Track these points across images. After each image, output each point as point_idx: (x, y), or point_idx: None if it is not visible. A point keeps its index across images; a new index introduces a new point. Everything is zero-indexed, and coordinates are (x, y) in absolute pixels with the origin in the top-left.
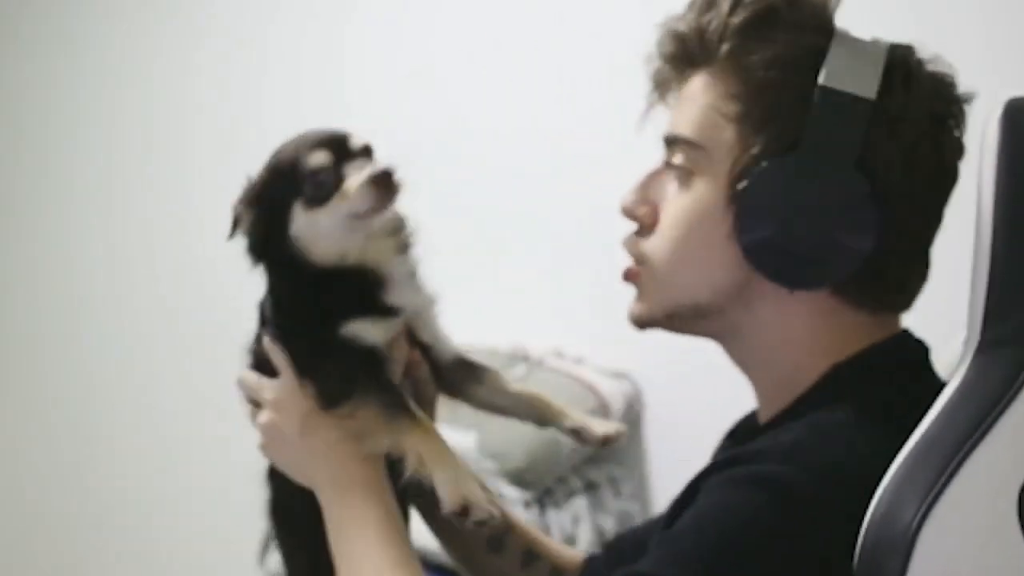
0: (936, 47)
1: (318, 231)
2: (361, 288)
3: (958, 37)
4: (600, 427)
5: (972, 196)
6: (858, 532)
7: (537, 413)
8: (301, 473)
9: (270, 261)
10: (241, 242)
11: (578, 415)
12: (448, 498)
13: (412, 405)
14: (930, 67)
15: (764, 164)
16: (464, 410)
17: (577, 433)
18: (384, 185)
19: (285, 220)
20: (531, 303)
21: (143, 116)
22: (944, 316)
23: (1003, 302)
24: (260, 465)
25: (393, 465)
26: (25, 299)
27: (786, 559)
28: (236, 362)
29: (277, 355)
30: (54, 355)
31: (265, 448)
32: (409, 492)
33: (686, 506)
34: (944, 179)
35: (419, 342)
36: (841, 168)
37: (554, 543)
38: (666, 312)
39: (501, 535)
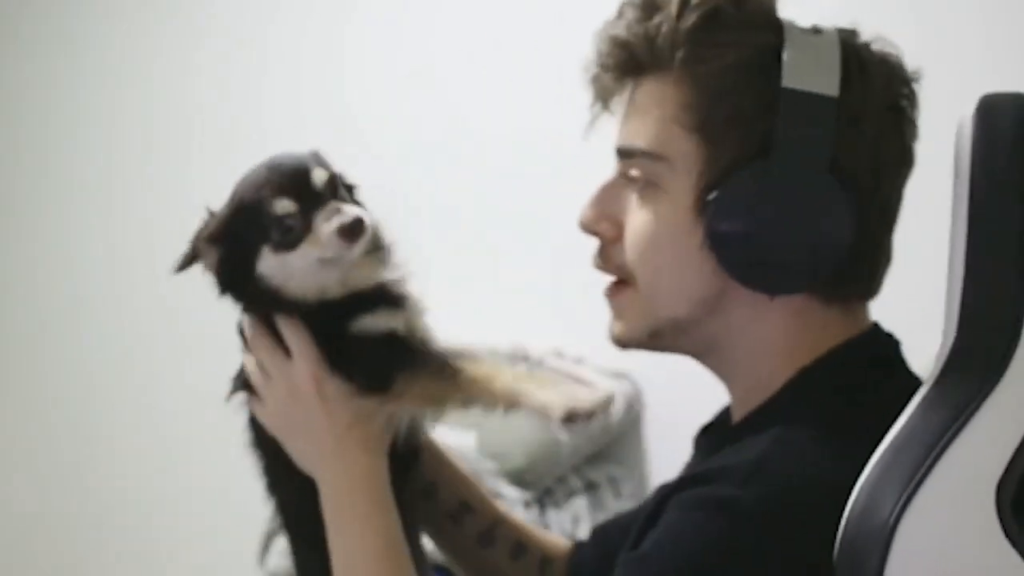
0: (936, 47)
1: (290, 272)
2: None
3: (958, 37)
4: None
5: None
6: (828, 546)
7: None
8: (304, 460)
9: (241, 294)
10: (189, 273)
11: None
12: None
13: (458, 356)
14: (876, 49)
15: (735, 173)
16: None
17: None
18: (353, 232)
19: (252, 259)
20: (531, 303)
21: (143, 116)
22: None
23: (979, 298)
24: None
25: (399, 467)
26: (25, 299)
27: None
28: (235, 362)
29: (295, 338)
30: (54, 355)
31: (267, 419)
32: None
33: (653, 522)
34: (906, 165)
35: None
36: (815, 170)
37: (543, 533)
38: (649, 330)
39: (491, 529)
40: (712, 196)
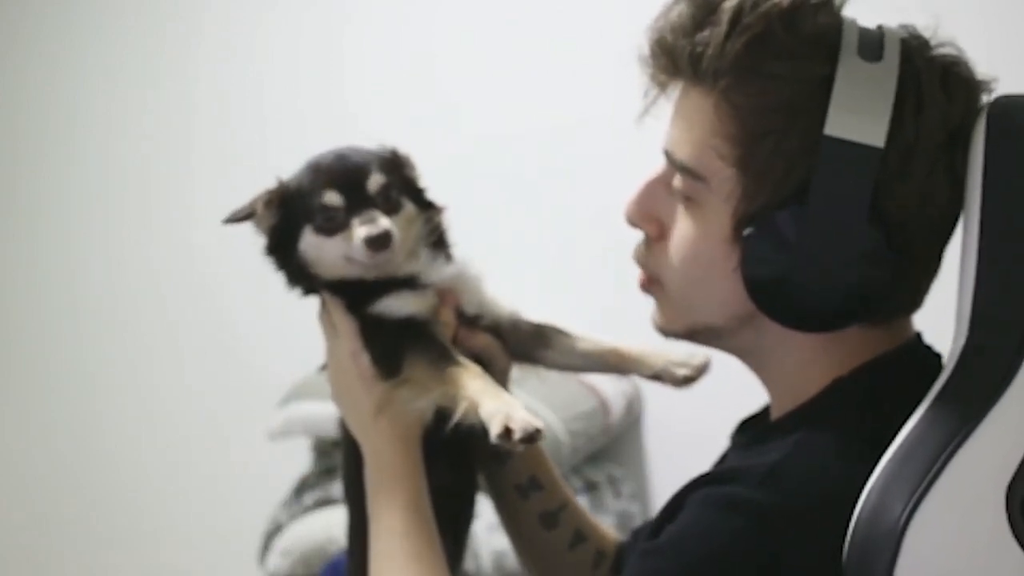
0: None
1: (322, 255)
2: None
3: (958, 37)
4: (682, 369)
5: None
6: (836, 553)
7: (615, 366)
8: (352, 429)
9: (283, 261)
10: (235, 230)
11: (658, 359)
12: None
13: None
14: (941, 65)
15: (770, 215)
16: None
17: (659, 378)
18: (378, 244)
19: (297, 233)
20: (531, 303)
21: (143, 116)
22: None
23: (990, 301)
24: (259, 466)
25: (461, 437)
26: (25, 300)
27: None
28: (235, 362)
29: (338, 315)
30: (54, 355)
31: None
32: (480, 461)
33: (672, 516)
34: (961, 193)
35: (467, 315)
36: (852, 220)
37: (602, 527)
38: (685, 330)
39: (556, 512)
40: (747, 232)
